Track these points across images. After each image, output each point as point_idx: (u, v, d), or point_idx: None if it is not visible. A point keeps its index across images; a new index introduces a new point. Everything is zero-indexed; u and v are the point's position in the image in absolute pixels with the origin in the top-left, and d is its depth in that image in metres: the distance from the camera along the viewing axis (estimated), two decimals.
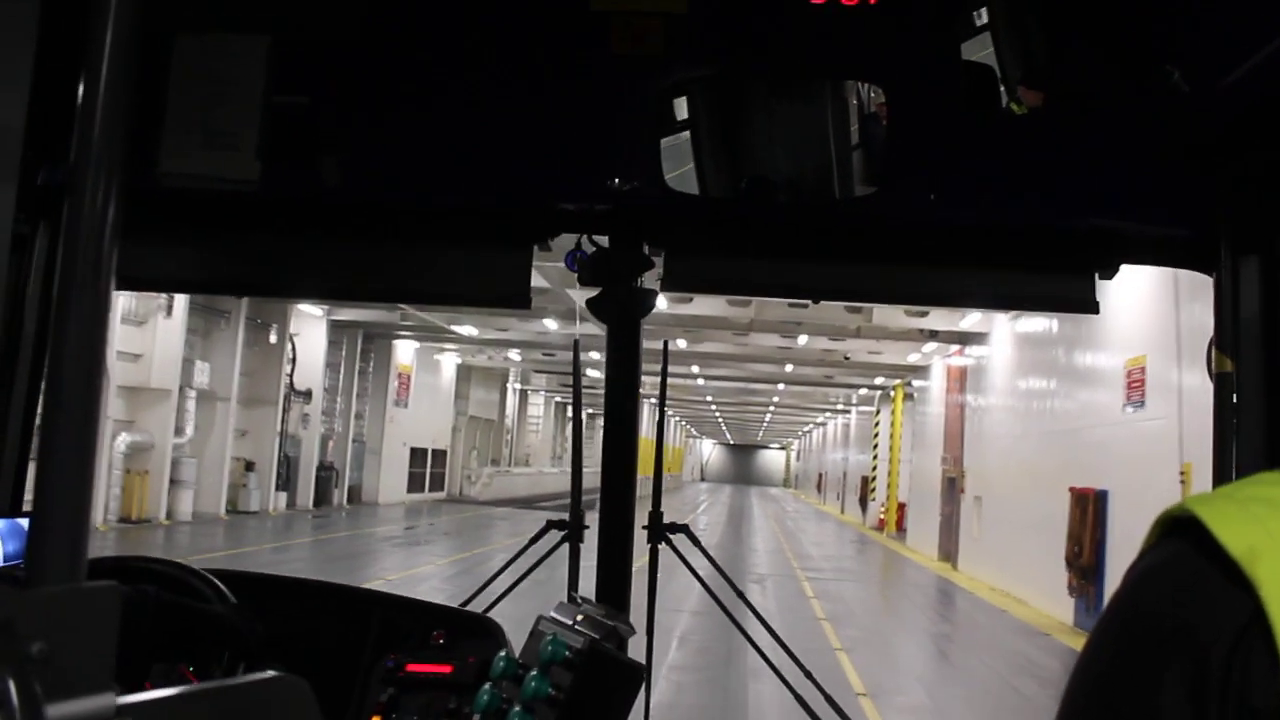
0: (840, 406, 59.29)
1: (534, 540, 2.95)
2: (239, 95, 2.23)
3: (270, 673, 1.26)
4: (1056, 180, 2.33)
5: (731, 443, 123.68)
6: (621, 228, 2.53)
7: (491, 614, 2.80)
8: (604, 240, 2.57)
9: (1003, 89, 2.52)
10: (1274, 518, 0.75)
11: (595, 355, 17.22)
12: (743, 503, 67.14)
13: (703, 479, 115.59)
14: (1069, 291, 2.54)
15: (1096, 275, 2.51)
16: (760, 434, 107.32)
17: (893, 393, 43.55)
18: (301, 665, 1.96)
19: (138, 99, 1.21)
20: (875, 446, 47.20)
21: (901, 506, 40.72)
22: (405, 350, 42.06)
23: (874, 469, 47.05)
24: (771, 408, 71.88)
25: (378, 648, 2.69)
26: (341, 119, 2.38)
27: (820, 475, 77.76)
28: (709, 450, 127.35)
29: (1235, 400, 2.19)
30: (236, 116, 2.24)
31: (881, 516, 46.67)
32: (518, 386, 62.01)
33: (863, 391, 48.18)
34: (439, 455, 47.40)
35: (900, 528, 41.65)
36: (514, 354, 43.91)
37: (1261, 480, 0.81)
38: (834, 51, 2.32)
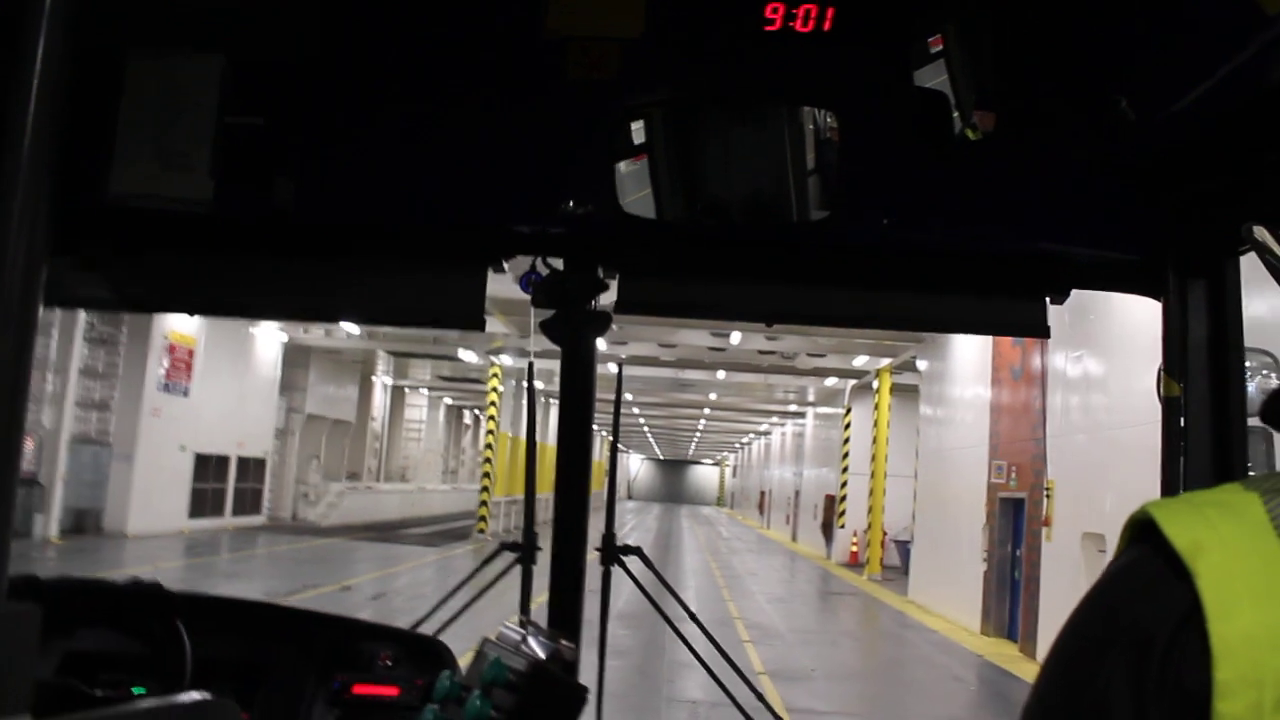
0: (794, 408, 47.54)
1: (487, 562, 2.92)
2: (193, 114, 2.24)
3: (196, 695, 1.36)
4: (1008, 205, 2.36)
5: (661, 458, 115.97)
6: (576, 250, 2.55)
7: (450, 638, 2.75)
8: (558, 263, 2.58)
9: (956, 115, 2.40)
10: (1223, 519, 0.81)
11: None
12: (671, 526, 55.23)
13: (629, 497, 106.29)
14: (1020, 315, 2.59)
15: (1048, 299, 2.55)
16: (692, 449, 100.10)
17: (875, 383, 31.80)
18: (245, 689, 2.51)
19: (86, 116, 1.58)
20: (845, 457, 35.48)
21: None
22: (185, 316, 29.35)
23: (843, 487, 35.34)
24: (703, 420, 60.69)
25: (324, 670, 2.68)
26: (296, 139, 2.37)
27: (763, 494, 66.06)
28: (637, 466, 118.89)
29: (1182, 424, 2.22)
30: (190, 135, 2.24)
31: (854, 549, 35.05)
32: (389, 381, 49.41)
33: (830, 382, 36.36)
34: (252, 466, 34.73)
35: (885, 566, 29.99)
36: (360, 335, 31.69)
37: (1219, 489, 0.85)
38: (789, 77, 2.35)
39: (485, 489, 36.53)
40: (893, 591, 26.23)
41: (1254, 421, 2.16)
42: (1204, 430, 2.20)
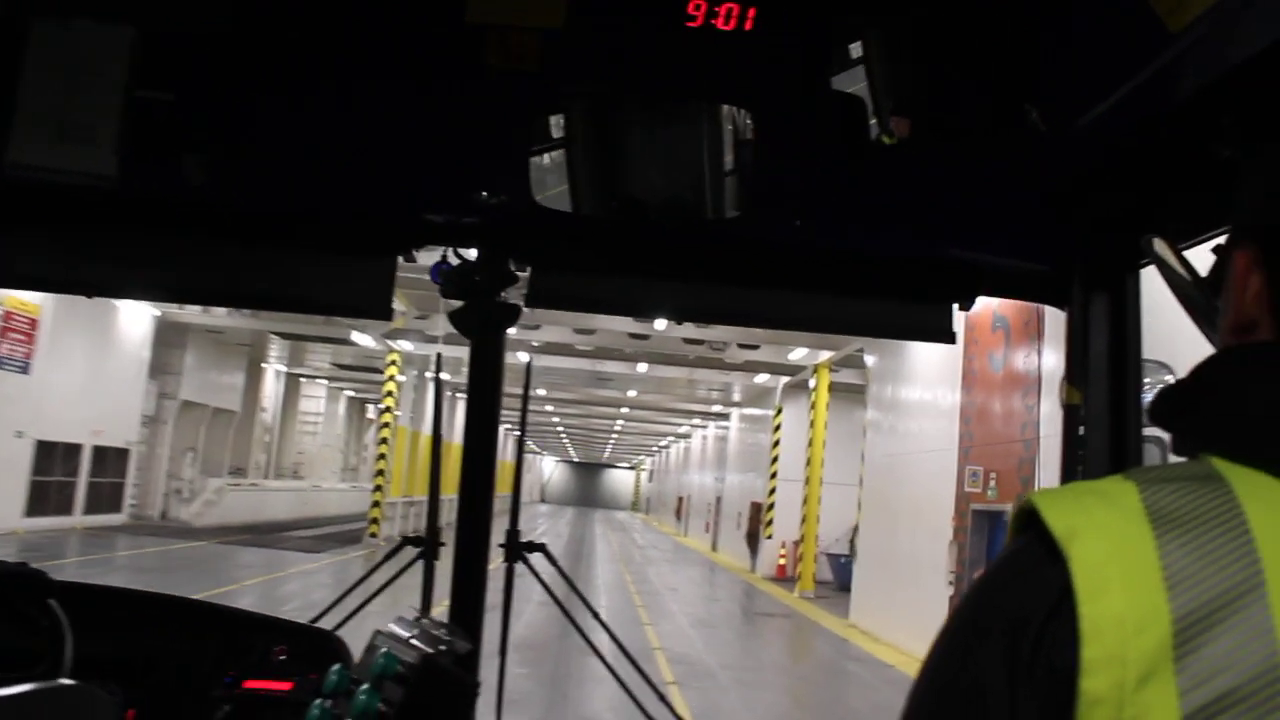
0: (717, 408, 44.64)
1: (389, 556, 2.91)
2: (97, 87, 2.17)
3: (65, 681, 1.32)
4: (920, 212, 2.38)
5: (576, 461, 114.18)
6: (488, 241, 2.52)
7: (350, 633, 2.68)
8: (470, 253, 2.55)
9: (873, 120, 2.39)
10: (1100, 506, 0.83)
11: None
12: (584, 532, 52.06)
13: (542, 500, 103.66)
14: (928, 321, 2.62)
15: (955, 306, 2.58)
16: (608, 452, 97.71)
17: (812, 381, 28.95)
18: (133, 681, 2.47)
19: None
20: (775, 461, 32.62)
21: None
22: None
23: (771, 494, 32.48)
24: (621, 421, 57.72)
25: (217, 664, 2.64)
26: (206, 118, 2.29)
27: (681, 500, 63.14)
28: (550, 468, 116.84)
29: (1081, 431, 2.26)
30: (95, 109, 2.17)
31: (781, 562, 32.18)
32: (283, 369, 45.58)
33: (761, 379, 33.47)
34: (111, 456, 30.79)
35: (816, 582, 27.16)
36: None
37: (1105, 479, 0.87)
38: (708, 75, 2.32)
39: (379, 489, 33.00)
40: (830, 613, 23.36)
41: (1150, 430, 2.15)
42: (1102, 437, 2.25)
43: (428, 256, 2.60)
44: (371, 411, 58.50)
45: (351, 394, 54.21)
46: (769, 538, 32.70)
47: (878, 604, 20.41)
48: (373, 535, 32.68)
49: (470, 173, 2.34)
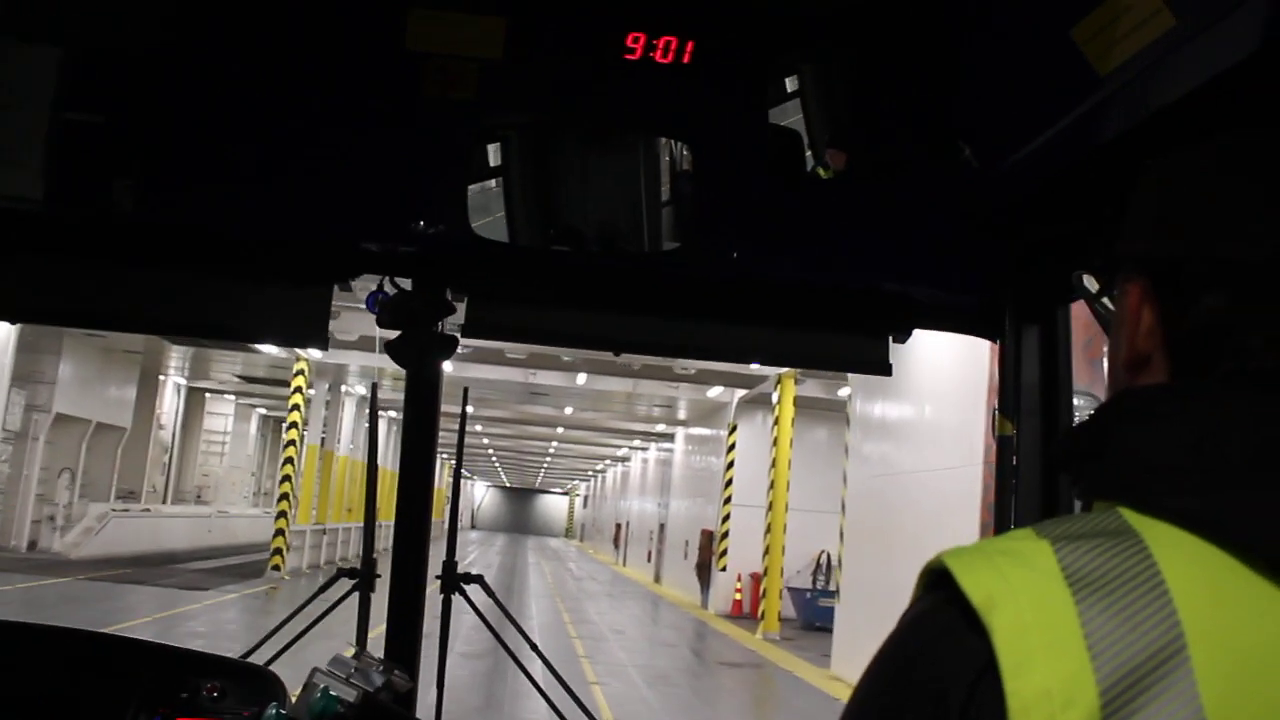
0: (661, 428, 41.12)
1: (324, 588, 2.82)
2: (24, 108, 2.16)
3: None
4: (854, 244, 2.39)
5: (508, 485, 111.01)
6: (425, 271, 2.49)
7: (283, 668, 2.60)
8: (406, 283, 2.51)
9: (809, 153, 2.50)
10: (1014, 569, 0.81)
11: None
12: (516, 562, 48.26)
13: (473, 527, 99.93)
14: (864, 352, 2.64)
15: (891, 338, 2.59)
16: (540, 477, 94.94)
17: (775, 394, 25.58)
18: None
19: None
20: (729, 485, 29.19)
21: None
22: None
23: (725, 521, 29.04)
24: (555, 443, 54.16)
25: (146, 702, 2.54)
26: (137, 140, 2.24)
27: (619, 527, 59.44)
28: (481, 494, 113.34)
29: (1015, 462, 2.30)
30: (20, 130, 2.17)
31: (737, 597, 28.74)
32: (183, 382, 41.28)
33: (714, 393, 30.02)
34: None
35: (781, 620, 23.77)
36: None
37: (1013, 535, 0.86)
38: (646, 106, 2.36)
39: (283, 514, 29.02)
40: (805, 660, 19.91)
41: None
42: (1034, 468, 2.28)
43: (363, 285, 2.57)
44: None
45: (264, 411, 49.87)
46: (723, 569, 29.22)
47: (866, 650, 16.81)
48: (275, 568, 28.70)
49: (407, 202, 2.30)
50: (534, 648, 2.91)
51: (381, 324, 2.51)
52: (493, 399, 33.79)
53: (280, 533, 28.78)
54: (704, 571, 31.07)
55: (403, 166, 2.30)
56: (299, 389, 29.21)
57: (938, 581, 0.85)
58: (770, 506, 24.94)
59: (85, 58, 2.17)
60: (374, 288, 2.52)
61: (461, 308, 2.54)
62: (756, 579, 28.20)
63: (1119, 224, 1.00)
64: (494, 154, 2.53)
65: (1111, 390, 0.98)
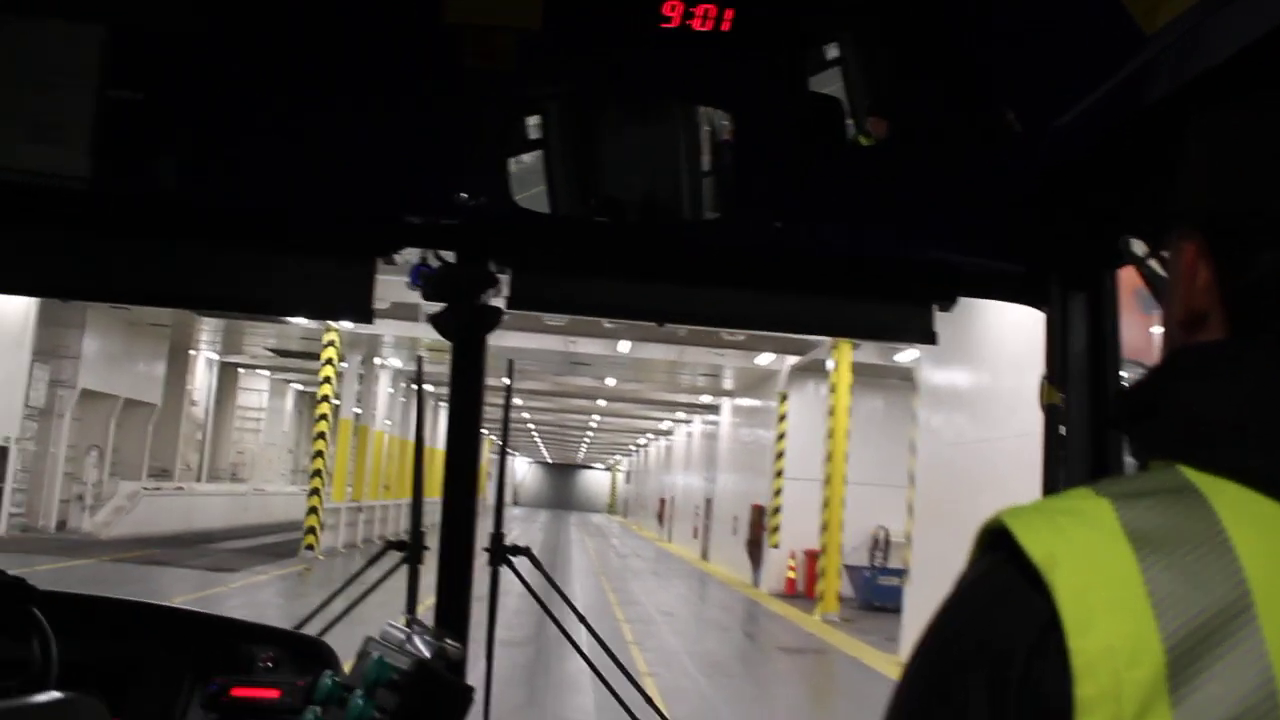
0: (706, 399, 39.69)
1: (372, 561, 2.83)
2: (69, 86, 2.16)
3: (56, 694, 1.35)
4: (898, 212, 2.38)
5: (550, 462, 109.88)
6: (467, 243, 2.48)
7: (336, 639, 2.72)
8: (449, 255, 2.51)
9: (850, 121, 2.44)
10: (1075, 527, 0.80)
11: None
12: (558, 539, 47.11)
13: (515, 503, 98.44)
14: (908, 322, 2.62)
15: (935, 307, 2.58)
16: (582, 453, 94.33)
17: (830, 360, 24.08)
18: (116, 692, 2.44)
19: None
20: (780, 457, 27.79)
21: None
22: None
23: (777, 495, 27.66)
24: (596, 417, 52.94)
25: (202, 671, 2.63)
26: (180, 118, 2.27)
27: (663, 502, 58.19)
28: (524, 470, 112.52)
29: (1062, 431, 2.26)
30: (66, 109, 2.18)
31: (790, 575, 27.38)
32: (215, 357, 40.28)
33: (764, 360, 28.55)
34: None
35: (837, 600, 22.38)
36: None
37: (1071, 494, 0.85)
38: (685, 75, 2.35)
39: (316, 492, 27.91)
40: (869, 645, 18.49)
41: None
42: (1082, 437, 2.25)
43: (405, 259, 2.58)
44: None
45: (300, 387, 48.91)
46: (775, 547, 27.88)
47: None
48: (309, 548, 27.61)
49: (449, 174, 2.30)
50: (581, 619, 2.91)
51: (426, 297, 2.50)
52: (532, 370, 32.49)
53: (313, 511, 27.68)
54: (755, 548, 29.72)
55: (444, 139, 2.31)
56: (329, 361, 28.04)
57: (995, 542, 0.83)
58: (827, 480, 23.50)
59: (128, 36, 2.18)
60: (417, 261, 2.51)
61: (505, 280, 2.53)
62: (811, 556, 26.84)
63: (1170, 183, 1.00)
64: (534, 125, 2.52)
65: (1167, 350, 0.94)
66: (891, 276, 2.53)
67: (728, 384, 35.25)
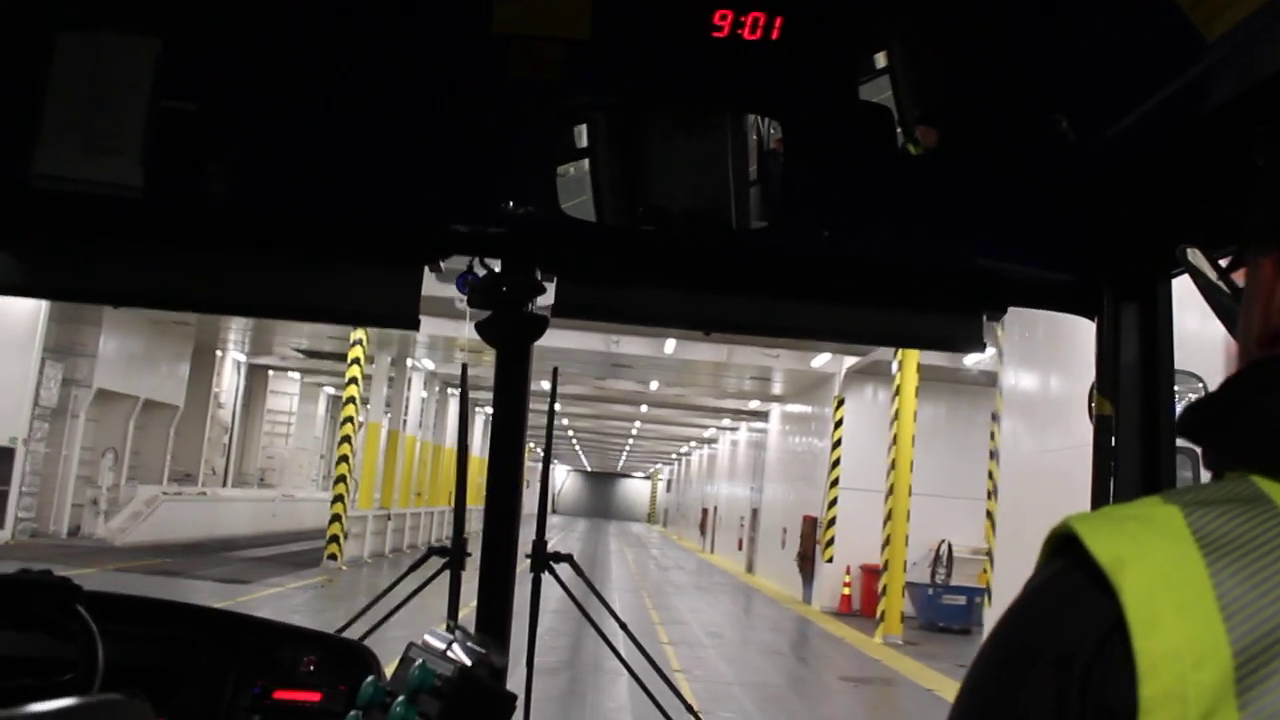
0: (754, 405, 37.78)
1: (415, 567, 2.85)
2: (124, 98, 2.20)
3: (104, 694, 1.37)
4: (947, 221, 2.36)
5: (589, 470, 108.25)
6: (514, 252, 2.50)
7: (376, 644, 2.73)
8: (496, 264, 2.53)
9: (899, 129, 2.44)
10: (1144, 533, 0.80)
11: None
12: (597, 550, 45.35)
13: (554, 511, 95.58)
14: (957, 330, 2.59)
15: (984, 316, 2.56)
16: (622, 461, 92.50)
17: (895, 361, 22.17)
18: (160, 693, 2.45)
19: (10, 97, 1.61)
20: (835, 466, 25.88)
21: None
22: None
23: (831, 506, 25.75)
24: (637, 423, 51.24)
25: (245, 674, 2.66)
26: (230, 127, 2.31)
27: (705, 512, 56.27)
28: (563, 478, 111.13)
29: (1113, 443, 2.22)
30: (120, 120, 2.21)
31: (845, 592, 25.50)
32: (243, 359, 38.89)
33: (819, 363, 26.65)
34: None
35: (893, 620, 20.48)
36: None
37: (1141, 502, 0.85)
38: (734, 84, 2.34)
39: (340, 499, 26.30)
40: (940, 673, 16.57)
41: (1182, 442, 2.11)
42: (1133, 449, 2.20)
43: (452, 267, 2.58)
44: (360, 414, 51.99)
45: (332, 390, 47.46)
46: (829, 561, 25.96)
47: None
48: (331, 558, 26.01)
49: (496, 183, 2.30)
50: (623, 627, 2.86)
51: (472, 304, 2.51)
52: (572, 373, 30.75)
53: (337, 518, 26.06)
54: (806, 563, 27.81)
55: (491, 148, 2.30)
56: (356, 360, 26.46)
57: (1062, 548, 0.83)
58: (890, 491, 21.55)
59: (180, 48, 2.20)
60: (464, 269, 2.50)
61: (551, 288, 2.52)
62: (868, 572, 24.94)
63: (1230, 191, 1.01)
64: (582, 134, 2.51)
65: (1243, 362, 0.94)
66: (941, 285, 2.49)
67: (777, 388, 33.34)
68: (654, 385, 33.74)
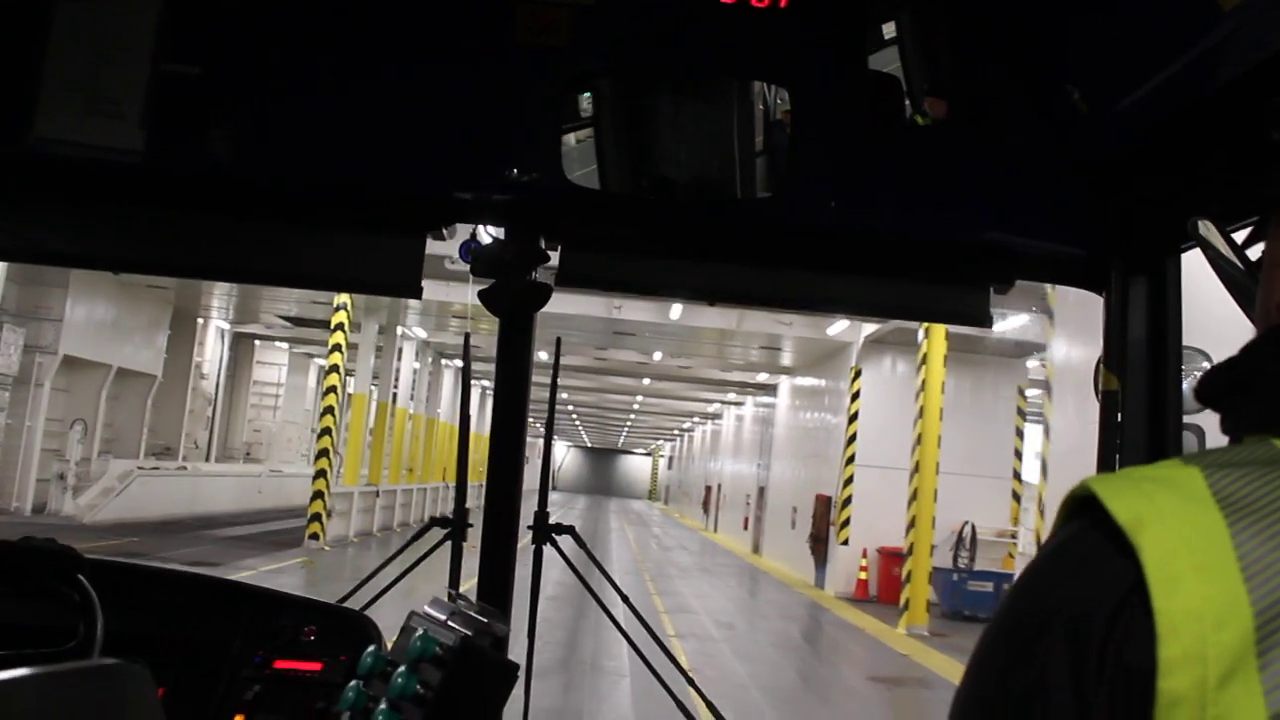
0: (762, 377, 36.04)
1: (416, 537, 2.82)
2: (125, 60, 2.19)
3: (103, 659, 1.38)
4: (955, 193, 2.35)
5: (589, 446, 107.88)
6: (518, 219, 2.47)
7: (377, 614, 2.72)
8: (499, 231, 2.53)
9: (908, 100, 2.39)
10: (1162, 493, 0.79)
11: None
12: (597, 526, 43.80)
13: (553, 488, 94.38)
14: (964, 304, 2.58)
15: (992, 289, 2.54)
16: (623, 438, 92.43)
17: (921, 328, 20.41)
18: (160, 660, 2.34)
19: (9, 59, 1.56)
20: (851, 442, 24.21)
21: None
22: None
23: (847, 485, 24.11)
24: (640, 397, 49.74)
25: (246, 643, 2.68)
26: (233, 92, 2.29)
27: (709, 490, 54.64)
28: (563, 454, 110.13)
29: (1120, 418, 2.21)
30: (121, 82, 2.19)
31: (862, 576, 23.91)
32: (227, 326, 37.12)
33: (836, 330, 24.89)
34: None
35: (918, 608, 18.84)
36: None
37: (1161, 464, 0.85)
38: (742, 52, 2.32)
39: (322, 474, 24.64)
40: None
41: (1189, 419, 2.14)
42: (1140, 425, 2.20)
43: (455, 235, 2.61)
44: (352, 384, 50.25)
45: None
46: (844, 543, 24.31)
47: None
48: (313, 537, 24.37)
49: (500, 150, 2.28)
50: (624, 599, 2.81)
51: (475, 273, 2.49)
52: (573, 341, 29.01)
53: (319, 495, 24.41)
54: (820, 545, 26.17)
55: (496, 114, 2.28)
56: (340, 326, 24.74)
57: (1080, 509, 0.82)
58: (916, 468, 19.84)
59: (183, 11, 2.19)
60: (467, 237, 2.51)
61: (554, 256, 2.50)
62: (887, 556, 23.32)
63: (1245, 164, 0.98)
64: (587, 101, 2.48)
65: (1261, 328, 0.95)
66: (948, 258, 2.47)
67: (786, 359, 31.61)
68: (658, 356, 31.99)
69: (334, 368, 24.92)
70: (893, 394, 23.91)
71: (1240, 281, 1.12)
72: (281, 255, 2.51)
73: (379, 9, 2.24)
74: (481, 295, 2.49)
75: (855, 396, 24.53)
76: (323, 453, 24.73)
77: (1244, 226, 1.24)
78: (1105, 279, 2.27)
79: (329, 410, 24.88)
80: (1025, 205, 2.31)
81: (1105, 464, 2.21)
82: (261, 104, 2.26)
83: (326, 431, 24.86)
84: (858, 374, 24.68)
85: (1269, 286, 0.94)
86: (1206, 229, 1.26)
